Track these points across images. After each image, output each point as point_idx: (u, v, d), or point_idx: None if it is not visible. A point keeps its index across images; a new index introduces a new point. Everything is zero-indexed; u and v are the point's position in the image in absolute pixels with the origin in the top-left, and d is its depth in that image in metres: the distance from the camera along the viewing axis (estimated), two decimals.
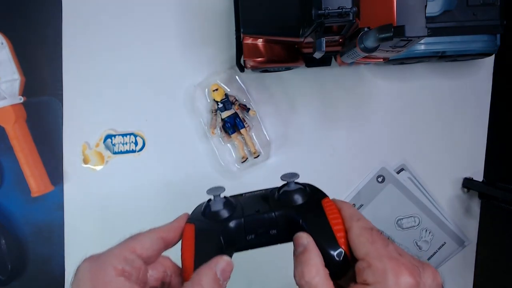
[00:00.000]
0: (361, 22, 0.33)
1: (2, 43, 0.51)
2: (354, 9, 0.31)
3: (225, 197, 0.31)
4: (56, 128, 0.52)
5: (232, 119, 0.50)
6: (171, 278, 0.30)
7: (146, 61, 0.52)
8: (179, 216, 0.31)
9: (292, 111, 0.53)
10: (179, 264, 0.29)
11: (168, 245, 0.30)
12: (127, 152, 0.52)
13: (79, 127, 0.52)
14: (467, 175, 0.54)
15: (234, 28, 0.46)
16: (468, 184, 0.53)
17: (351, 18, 0.31)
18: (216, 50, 0.52)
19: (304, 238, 0.28)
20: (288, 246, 0.29)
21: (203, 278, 0.25)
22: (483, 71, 0.53)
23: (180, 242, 0.30)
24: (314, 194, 0.32)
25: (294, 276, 0.26)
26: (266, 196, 0.32)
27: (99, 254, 0.27)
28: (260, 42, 0.45)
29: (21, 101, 0.52)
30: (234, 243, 0.29)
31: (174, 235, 0.30)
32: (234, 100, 0.50)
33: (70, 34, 0.52)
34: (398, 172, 0.53)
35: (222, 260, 0.27)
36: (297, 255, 0.27)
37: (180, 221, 0.31)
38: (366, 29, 0.32)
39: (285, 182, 0.32)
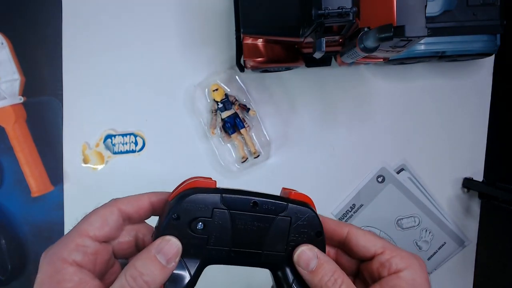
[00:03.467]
0: (361, 22, 0.33)
1: (2, 43, 0.51)
2: (354, 9, 0.31)
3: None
4: (56, 128, 0.52)
5: (232, 119, 0.50)
6: (144, 240, 0.28)
7: (146, 61, 0.52)
8: (146, 193, 0.28)
9: (292, 111, 0.53)
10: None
11: (131, 219, 0.27)
12: (127, 152, 0.52)
13: (79, 127, 0.52)
14: (467, 175, 0.54)
15: (234, 28, 0.46)
16: (468, 184, 0.53)
17: (351, 18, 0.31)
18: (216, 50, 0.52)
19: (310, 251, 0.26)
20: None
21: (137, 261, 0.24)
22: (483, 71, 0.53)
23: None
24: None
25: None
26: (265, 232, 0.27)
27: (52, 246, 0.25)
28: (260, 42, 0.45)
29: (21, 101, 0.52)
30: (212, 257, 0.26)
31: (136, 208, 0.27)
32: (234, 100, 0.50)
33: (70, 34, 0.52)
34: (398, 172, 0.53)
35: (163, 241, 0.25)
36: (312, 271, 0.26)
37: (149, 196, 0.28)
38: (366, 29, 0.32)
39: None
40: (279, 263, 0.27)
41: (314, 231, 0.27)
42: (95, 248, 0.25)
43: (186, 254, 0.25)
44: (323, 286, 0.25)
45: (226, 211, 0.26)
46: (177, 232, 0.25)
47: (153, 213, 0.28)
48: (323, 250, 0.27)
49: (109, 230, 0.26)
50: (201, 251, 0.26)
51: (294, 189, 0.29)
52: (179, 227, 0.25)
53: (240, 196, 0.27)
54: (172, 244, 0.25)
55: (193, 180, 0.27)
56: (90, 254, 0.24)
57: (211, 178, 0.28)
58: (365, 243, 0.27)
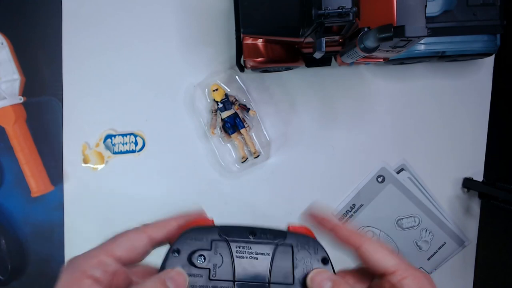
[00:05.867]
0: (361, 22, 0.33)
1: (2, 43, 0.51)
2: (354, 9, 0.31)
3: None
4: (56, 128, 0.52)
5: (232, 119, 0.50)
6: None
7: (146, 61, 0.52)
8: (177, 214, 0.28)
9: (292, 111, 0.53)
10: None
11: (158, 244, 0.27)
12: (127, 152, 0.52)
13: (79, 127, 0.52)
14: (467, 175, 0.54)
15: (234, 28, 0.46)
16: (468, 184, 0.53)
17: (351, 18, 0.31)
18: (216, 50, 0.52)
19: (323, 273, 0.26)
20: None
21: (148, 282, 0.24)
22: (483, 71, 0.53)
23: None
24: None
25: None
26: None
27: (77, 256, 0.25)
28: (260, 42, 0.45)
29: (21, 101, 0.52)
30: None
31: (166, 234, 0.27)
32: (234, 100, 0.50)
33: (70, 34, 0.52)
34: (398, 172, 0.53)
35: (173, 270, 0.25)
36: None
37: (177, 220, 0.28)
38: (366, 29, 0.32)
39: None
40: None
41: (320, 258, 0.26)
42: (115, 268, 0.25)
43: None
44: None
45: (224, 241, 0.26)
46: (179, 267, 0.26)
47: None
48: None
49: (134, 256, 0.26)
50: (205, 283, 0.26)
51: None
52: (180, 262, 0.26)
53: (237, 226, 0.27)
54: (181, 273, 0.25)
55: (190, 222, 0.28)
56: (109, 273, 0.24)
57: (209, 219, 0.28)
58: (378, 259, 0.26)
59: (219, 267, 0.26)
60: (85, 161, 0.52)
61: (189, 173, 0.53)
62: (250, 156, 0.52)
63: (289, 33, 0.40)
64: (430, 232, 0.54)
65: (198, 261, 0.26)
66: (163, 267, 0.26)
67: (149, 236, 0.26)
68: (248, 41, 0.44)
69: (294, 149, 0.53)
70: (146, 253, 0.27)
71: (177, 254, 0.26)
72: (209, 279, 0.26)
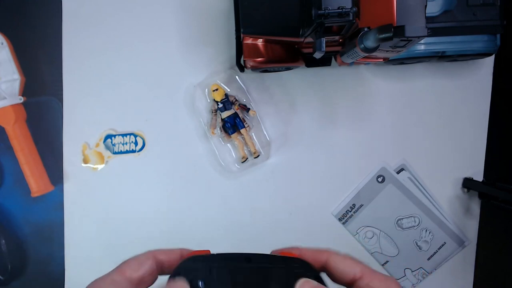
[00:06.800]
0: (361, 22, 0.33)
1: (2, 43, 0.51)
2: (354, 9, 0.31)
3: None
4: (56, 128, 0.52)
5: (232, 119, 0.50)
6: None
7: (146, 61, 0.52)
8: (178, 248, 0.31)
9: (292, 111, 0.53)
10: None
11: (164, 268, 0.29)
12: (127, 152, 0.52)
13: (79, 127, 0.52)
14: (467, 175, 0.54)
15: (234, 28, 0.46)
16: (468, 184, 0.53)
17: (351, 18, 0.31)
18: (216, 50, 0.52)
19: (312, 283, 0.27)
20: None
21: None
22: (483, 71, 0.53)
23: None
24: None
25: None
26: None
27: (96, 279, 0.28)
28: (260, 42, 0.45)
29: (21, 101, 0.52)
30: None
31: (173, 259, 0.29)
32: (234, 100, 0.50)
33: (70, 34, 0.52)
34: (398, 172, 0.53)
35: (173, 282, 0.27)
36: None
37: (178, 250, 0.30)
38: (366, 29, 0.32)
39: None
40: None
41: (312, 277, 0.28)
42: (126, 286, 0.27)
43: None
44: None
45: (223, 267, 0.28)
46: None
47: None
48: None
49: (142, 273, 0.28)
50: None
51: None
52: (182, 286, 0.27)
53: (233, 254, 0.28)
54: (183, 283, 0.27)
55: (189, 253, 0.30)
56: None
57: (206, 250, 0.30)
58: (344, 268, 0.28)
59: None
60: (85, 161, 0.52)
61: (189, 173, 0.53)
62: (250, 156, 0.52)
63: (289, 33, 0.40)
64: (430, 232, 0.54)
65: (199, 286, 0.27)
66: None
67: (154, 256, 0.29)
68: (248, 41, 0.45)
69: (294, 149, 0.53)
70: (153, 273, 0.29)
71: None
72: None
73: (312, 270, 0.28)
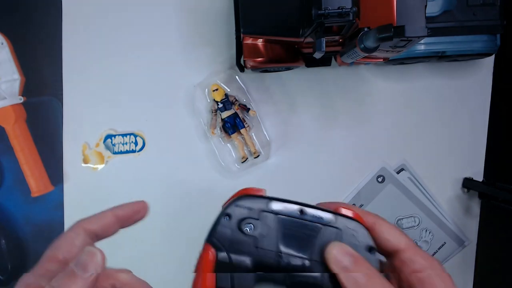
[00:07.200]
0: (361, 22, 0.33)
1: (2, 43, 0.51)
2: (354, 9, 0.31)
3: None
4: (56, 128, 0.52)
5: (232, 119, 0.50)
6: None
7: (146, 61, 0.52)
8: (110, 208, 0.29)
9: (292, 111, 0.53)
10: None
11: (99, 236, 0.28)
12: (127, 152, 0.52)
13: (79, 127, 0.52)
14: (467, 175, 0.54)
15: (234, 28, 0.46)
16: (468, 184, 0.53)
17: (351, 18, 0.31)
18: (216, 50, 0.52)
19: (345, 248, 0.25)
20: None
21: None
22: (483, 71, 0.53)
23: None
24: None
25: None
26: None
27: (26, 273, 0.26)
28: (260, 42, 0.45)
29: (21, 101, 0.52)
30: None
31: (102, 226, 0.28)
32: (234, 100, 0.50)
33: (70, 34, 0.52)
34: (398, 172, 0.53)
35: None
36: (347, 269, 0.24)
37: (109, 212, 0.29)
38: (366, 29, 0.32)
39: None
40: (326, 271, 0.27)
41: (365, 246, 0.26)
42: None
43: (237, 252, 0.26)
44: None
45: (273, 214, 0.27)
46: (229, 231, 0.27)
47: (121, 226, 0.29)
48: (377, 268, 0.26)
49: (77, 251, 0.26)
50: (251, 250, 0.27)
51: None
52: (230, 227, 0.27)
53: (287, 203, 0.27)
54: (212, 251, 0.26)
55: (244, 189, 0.29)
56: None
57: (261, 189, 0.28)
58: (390, 237, 0.27)
59: (265, 237, 0.27)
60: (85, 161, 0.52)
61: (189, 173, 0.53)
62: (250, 156, 0.52)
63: (289, 33, 0.40)
64: (430, 232, 0.54)
65: (247, 228, 0.27)
66: (214, 229, 0.27)
67: (84, 229, 0.27)
68: (248, 41, 0.45)
69: (294, 149, 0.53)
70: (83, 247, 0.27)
71: (228, 219, 0.27)
72: (255, 247, 0.26)
73: (366, 239, 0.26)
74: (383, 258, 0.27)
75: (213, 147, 0.51)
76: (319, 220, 0.27)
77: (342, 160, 0.53)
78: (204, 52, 0.52)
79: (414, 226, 0.54)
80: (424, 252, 0.26)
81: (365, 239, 0.26)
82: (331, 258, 0.25)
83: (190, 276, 0.26)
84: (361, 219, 0.27)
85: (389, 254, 0.27)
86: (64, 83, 0.52)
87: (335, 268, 0.25)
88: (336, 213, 0.27)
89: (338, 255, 0.25)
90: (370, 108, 0.53)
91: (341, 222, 0.27)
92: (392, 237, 0.27)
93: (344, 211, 0.27)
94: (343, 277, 0.24)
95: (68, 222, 0.53)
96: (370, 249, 0.26)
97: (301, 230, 0.27)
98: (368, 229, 0.27)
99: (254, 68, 0.46)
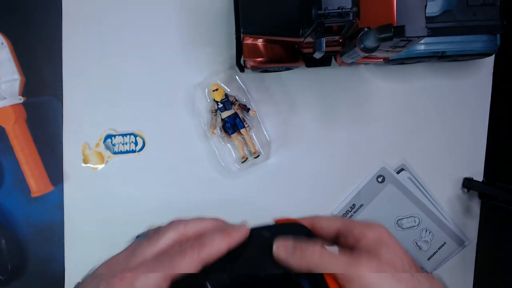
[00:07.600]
0: (361, 22, 0.33)
1: (2, 43, 0.51)
2: (354, 9, 0.31)
3: None
4: (56, 128, 0.52)
5: (232, 119, 0.50)
6: None
7: (146, 61, 0.52)
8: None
9: (292, 111, 0.53)
10: None
11: None
12: (127, 152, 0.52)
13: (79, 127, 0.52)
14: (467, 175, 0.54)
15: (234, 28, 0.46)
16: (468, 184, 0.53)
17: (351, 18, 0.31)
18: (216, 50, 0.52)
19: (288, 240, 0.27)
20: None
21: None
22: (483, 71, 0.53)
23: None
24: None
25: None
26: None
27: None
28: (260, 42, 0.45)
29: (21, 101, 0.52)
30: None
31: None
32: (234, 100, 0.50)
33: (70, 34, 0.52)
34: (398, 172, 0.53)
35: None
36: (296, 255, 0.26)
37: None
38: (366, 29, 0.32)
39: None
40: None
41: (303, 233, 0.29)
42: None
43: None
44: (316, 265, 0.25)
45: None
46: None
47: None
48: None
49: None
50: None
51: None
52: None
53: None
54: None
55: None
56: None
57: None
58: (326, 223, 0.29)
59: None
60: (85, 161, 0.52)
61: (189, 173, 0.53)
62: (250, 156, 0.52)
63: (289, 33, 0.40)
64: (430, 232, 0.54)
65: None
66: None
67: (202, 260, 0.27)
68: (248, 41, 0.45)
69: (294, 149, 0.53)
70: None
71: None
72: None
73: (302, 229, 0.29)
74: (336, 251, 0.29)
75: (213, 147, 0.51)
76: (264, 236, 0.28)
77: (342, 160, 0.53)
78: (204, 52, 0.52)
79: (414, 226, 0.54)
80: (362, 221, 0.28)
81: (302, 230, 0.29)
82: (276, 250, 0.27)
83: None
84: (297, 220, 0.30)
85: (336, 239, 0.29)
86: (64, 83, 0.52)
87: (281, 255, 0.27)
88: (274, 224, 0.30)
89: (280, 246, 0.27)
90: (370, 108, 0.53)
91: (279, 228, 0.29)
92: (328, 222, 0.30)
93: (278, 220, 0.30)
94: (290, 259, 0.26)
95: (68, 222, 0.53)
96: (308, 233, 0.29)
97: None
98: (309, 227, 0.30)
99: (254, 68, 0.46)
